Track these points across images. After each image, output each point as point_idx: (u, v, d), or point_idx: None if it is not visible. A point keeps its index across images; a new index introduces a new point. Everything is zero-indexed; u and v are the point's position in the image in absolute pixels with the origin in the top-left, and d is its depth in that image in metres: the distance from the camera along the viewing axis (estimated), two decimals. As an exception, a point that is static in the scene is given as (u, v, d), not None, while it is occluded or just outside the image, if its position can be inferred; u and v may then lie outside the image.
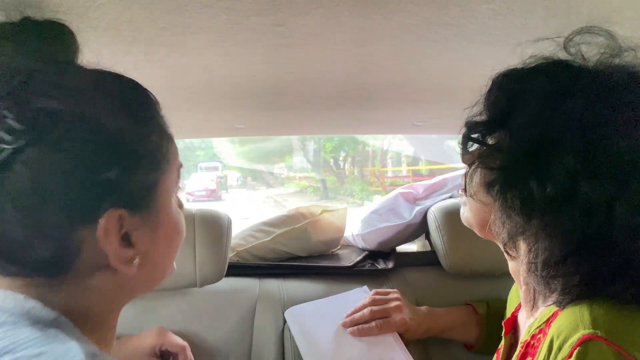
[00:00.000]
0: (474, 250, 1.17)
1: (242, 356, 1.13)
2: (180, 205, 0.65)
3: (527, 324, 0.72)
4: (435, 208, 1.26)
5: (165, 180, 0.57)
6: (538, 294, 0.67)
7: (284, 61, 0.84)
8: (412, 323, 1.07)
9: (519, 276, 0.72)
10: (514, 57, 0.87)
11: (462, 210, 0.81)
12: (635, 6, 0.70)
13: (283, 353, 1.12)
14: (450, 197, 1.34)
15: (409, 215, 1.35)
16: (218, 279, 1.14)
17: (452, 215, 1.21)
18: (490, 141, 0.69)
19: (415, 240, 1.53)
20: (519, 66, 0.69)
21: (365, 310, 1.07)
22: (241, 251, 1.36)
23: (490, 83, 0.71)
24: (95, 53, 0.75)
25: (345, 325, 1.07)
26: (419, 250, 1.55)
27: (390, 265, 1.32)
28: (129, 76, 0.86)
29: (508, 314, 0.90)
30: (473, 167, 0.72)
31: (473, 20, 0.73)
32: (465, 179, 0.75)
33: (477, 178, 0.71)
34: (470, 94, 1.07)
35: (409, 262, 1.37)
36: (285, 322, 1.15)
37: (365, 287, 1.19)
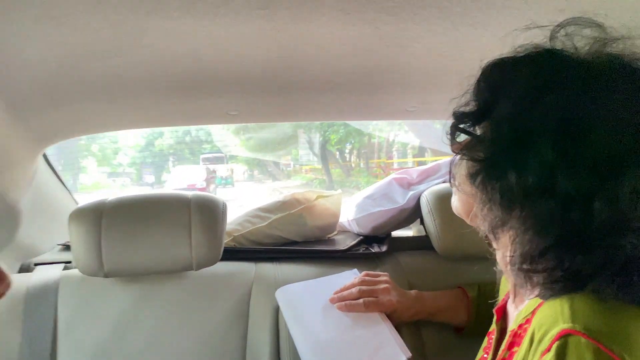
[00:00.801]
0: (465, 234, 1.17)
1: (239, 338, 1.16)
2: None
3: (515, 312, 0.73)
4: (428, 192, 1.27)
5: None
6: (519, 287, 0.67)
7: (271, 45, 0.86)
8: (399, 305, 1.09)
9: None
10: (497, 42, 0.89)
11: (452, 199, 0.81)
12: None
13: (278, 334, 1.14)
14: (444, 182, 1.36)
15: (403, 200, 1.37)
16: (214, 263, 1.16)
17: (444, 199, 1.22)
18: (477, 132, 0.69)
19: (411, 225, 1.55)
20: (510, 55, 0.68)
21: (354, 289, 1.09)
22: (237, 236, 1.39)
23: (479, 72, 0.70)
24: (78, 38, 0.78)
25: (333, 301, 1.09)
26: (415, 235, 1.56)
27: (383, 249, 1.33)
28: (118, 60, 0.89)
29: (499, 300, 0.91)
30: (458, 158, 0.73)
31: (455, 2, 0.75)
32: (451, 169, 0.76)
33: (462, 169, 0.71)
34: (458, 78, 1.08)
35: (403, 247, 1.38)
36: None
37: (355, 270, 1.20)
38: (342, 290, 1.11)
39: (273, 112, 1.29)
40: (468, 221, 0.78)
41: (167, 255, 1.10)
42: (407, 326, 1.15)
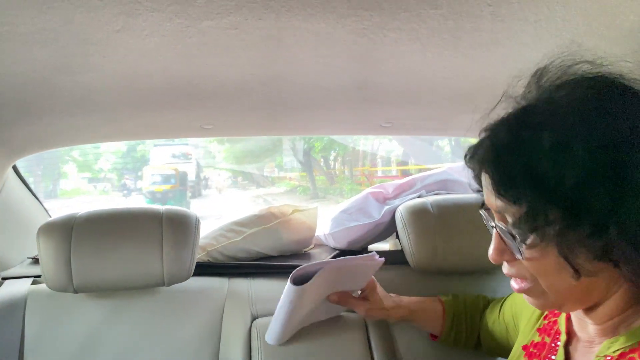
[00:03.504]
0: (439, 248, 1.20)
1: (210, 354, 1.14)
2: None
3: (597, 339, 0.67)
4: (403, 207, 1.28)
5: None
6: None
7: (243, 63, 0.86)
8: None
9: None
10: (466, 61, 0.90)
11: (538, 301, 0.68)
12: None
13: (250, 351, 1.13)
14: (419, 197, 1.36)
15: (378, 214, 1.37)
16: (186, 278, 1.15)
17: (418, 214, 1.23)
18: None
19: (388, 239, 1.55)
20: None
21: None
22: (211, 251, 1.38)
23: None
24: (46, 54, 0.77)
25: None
26: (391, 249, 1.57)
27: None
28: (88, 75, 0.88)
29: (525, 323, 0.88)
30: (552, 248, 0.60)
31: (423, 24, 0.75)
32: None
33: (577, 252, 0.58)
34: (430, 96, 1.10)
35: (379, 261, 1.39)
36: (252, 319, 1.17)
37: (374, 253, 1.12)
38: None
39: (248, 126, 1.29)
40: (579, 305, 0.66)
41: (138, 271, 1.09)
42: (380, 334, 1.17)
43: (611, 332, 0.64)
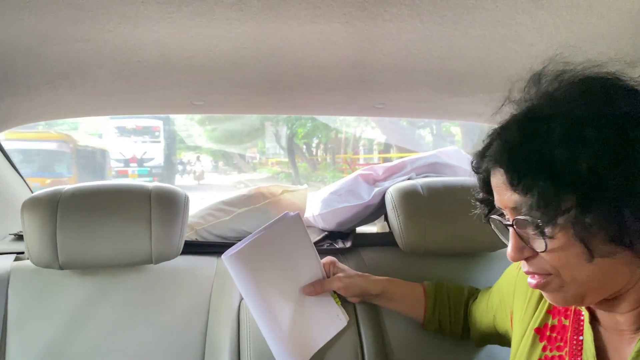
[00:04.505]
0: (428, 230, 1.20)
1: (198, 333, 1.14)
2: None
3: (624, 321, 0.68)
4: (393, 189, 1.27)
5: None
6: None
7: (238, 35, 0.84)
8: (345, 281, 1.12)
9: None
10: (467, 41, 0.90)
11: (558, 296, 0.68)
12: None
13: (238, 329, 1.13)
14: (409, 179, 1.37)
15: (368, 196, 1.37)
16: (174, 256, 1.14)
17: (408, 196, 1.23)
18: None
19: (376, 221, 1.56)
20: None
21: None
22: (200, 229, 1.36)
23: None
24: (35, 20, 0.74)
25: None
26: (379, 231, 1.57)
27: (348, 244, 1.34)
28: (78, 45, 0.85)
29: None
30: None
31: (426, 0, 0.75)
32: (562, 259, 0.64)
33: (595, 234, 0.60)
34: (426, 77, 1.10)
35: (367, 243, 1.39)
36: (241, 299, 1.16)
37: (296, 214, 1.15)
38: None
39: (239, 104, 1.27)
40: (600, 296, 0.66)
41: (126, 248, 1.07)
42: (370, 322, 1.16)
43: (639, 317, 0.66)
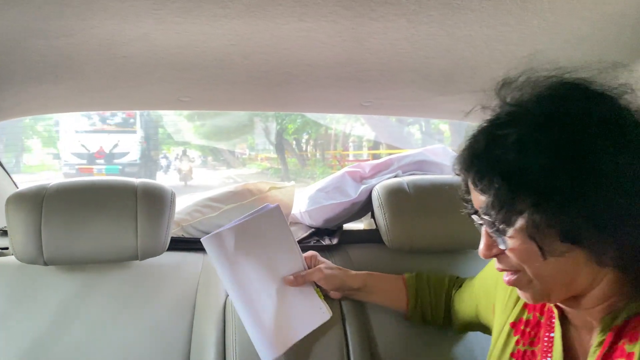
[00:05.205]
0: (414, 227, 1.21)
1: (184, 329, 1.14)
2: None
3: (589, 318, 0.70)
4: (379, 186, 1.28)
5: None
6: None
7: (225, 32, 0.84)
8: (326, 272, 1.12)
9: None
10: (453, 41, 0.90)
11: (528, 292, 0.72)
12: None
13: (224, 326, 1.13)
14: (395, 177, 1.37)
15: (355, 193, 1.38)
16: (160, 252, 1.13)
17: (395, 193, 1.24)
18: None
19: (363, 218, 1.56)
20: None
21: None
22: (186, 226, 1.36)
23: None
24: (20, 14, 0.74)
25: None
26: (366, 228, 1.58)
27: (334, 241, 1.34)
28: (63, 40, 0.84)
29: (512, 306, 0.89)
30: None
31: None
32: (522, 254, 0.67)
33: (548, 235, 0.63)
34: (413, 75, 1.10)
35: (354, 239, 1.39)
36: (227, 295, 1.16)
37: (275, 206, 1.15)
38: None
39: (226, 100, 1.27)
40: (565, 294, 0.69)
41: (112, 244, 1.07)
42: (355, 313, 1.17)
43: (605, 311, 0.68)
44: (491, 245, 0.70)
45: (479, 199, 0.68)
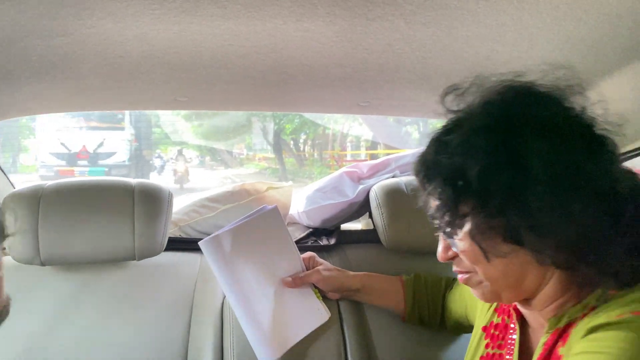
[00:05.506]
0: (411, 227, 1.21)
1: (181, 330, 1.13)
2: None
3: (540, 318, 0.73)
4: (377, 187, 1.28)
5: None
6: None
7: (222, 32, 0.84)
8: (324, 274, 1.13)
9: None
10: (450, 41, 0.90)
11: (479, 291, 0.75)
12: None
13: (222, 327, 1.13)
14: (393, 177, 1.38)
15: (353, 193, 1.38)
16: (157, 253, 1.13)
17: (392, 194, 1.24)
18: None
19: (360, 218, 1.57)
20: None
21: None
22: (184, 226, 1.36)
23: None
24: (16, 14, 0.73)
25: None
26: (363, 228, 1.58)
27: (332, 241, 1.34)
28: (60, 40, 0.84)
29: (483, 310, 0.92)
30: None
31: (409, 0, 0.75)
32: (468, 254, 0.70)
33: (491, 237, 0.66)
34: (410, 75, 1.10)
35: (351, 240, 1.40)
36: (225, 296, 1.16)
37: (266, 206, 1.16)
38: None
39: (223, 100, 1.27)
40: (516, 297, 0.72)
41: (109, 244, 1.07)
42: (353, 315, 1.17)
43: (553, 313, 0.69)
44: (447, 248, 0.74)
45: (430, 204, 0.72)
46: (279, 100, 1.28)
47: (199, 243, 1.03)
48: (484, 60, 1.00)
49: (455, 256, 0.73)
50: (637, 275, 0.62)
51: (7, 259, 1.12)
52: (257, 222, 1.10)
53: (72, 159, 8.48)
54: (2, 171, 1.46)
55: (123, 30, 0.82)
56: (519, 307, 0.78)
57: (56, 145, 8.32)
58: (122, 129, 8.88)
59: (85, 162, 8.49)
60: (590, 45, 0.88)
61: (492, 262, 0.66)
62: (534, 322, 0.76)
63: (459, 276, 0.76)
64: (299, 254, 1.14)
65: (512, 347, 0.78)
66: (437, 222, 0.70)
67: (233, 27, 0.82)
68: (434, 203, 0.70)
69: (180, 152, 12.45)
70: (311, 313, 1.11)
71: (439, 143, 0.70)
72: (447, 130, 0.70)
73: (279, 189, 1.46)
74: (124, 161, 8.78)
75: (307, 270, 1.14)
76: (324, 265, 1.15)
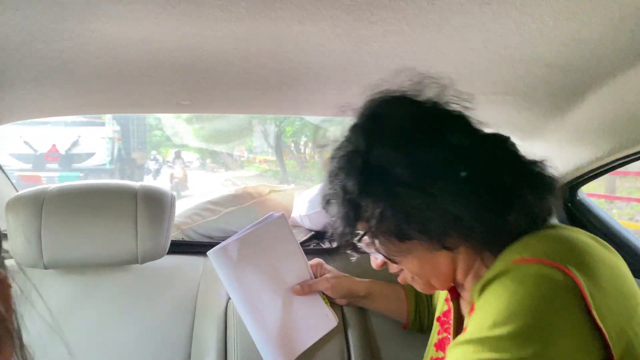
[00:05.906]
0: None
1: (184, 334, 1.14)
2: None
3: (469, 290, 0.77)
4: (379, 190, 1.28)
5: None
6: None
7: (225, 35, 0.84)
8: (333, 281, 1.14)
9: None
10: (451, 44, 0.90)
11: (416, 286, 0.85)
12: None
13: (225, 330, 1.13)
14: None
15: (355, 196, 1.37)
16: (160, 256, 1.13)
17: None
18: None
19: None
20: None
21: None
22: (186, 229, 1.36)
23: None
24: (21, 18, 0.74)
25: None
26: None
27: (334, 245, 1.34)
28: (64, 43, 0.85)
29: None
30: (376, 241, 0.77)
31: (411, 3, 0.75)
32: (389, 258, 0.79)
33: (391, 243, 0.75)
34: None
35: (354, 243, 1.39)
36: (229, 299, 1.16)
37: (273, 214, 1.17)
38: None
39: (226, 103, 1.27)
40: (441, 281, 0.81)
41: (112, 247, 1.07)
42: (356, 320, 1.16)
43: (472, 282, 0.77)
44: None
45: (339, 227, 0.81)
46: (282, 103, 1.28)
47: (208, 253, 1.04)
48: (486, 64, 1.00)
49: (384, 262, 0.82)
50: (515, 229, 0.68)
51: (10, 262, 1.12)
52: (264, 230, 1.10)
53: (39, 161, 6.82)
54: (6, 175, 1.46)
55: (126, 33, 0.83)
56: (459, 290, 0.85)
57: (19, 144, 6.61)
58: (102, 124, 7.19)
59: (55, 165, 6.97)
60: (593, 48, 0.88)
61: (407, 259, 0.75)
62: (465, 295, 0.83)
63: (398, 277, 0.85)
64: (306, 261, 1.14)
65: (450, 323, 0.86)
66: (345, 238, 0.79)
67: (236, 30, 0.82)
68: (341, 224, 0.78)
69: (178, 155, 11.02)
70: (320, 319, 1.11)
71: (335, 160, 0.79)
72: (339, 148, 0.81)
73: (281, 192, 1.46)
74: (103, 164, 7.17)
75: (315, 276, 1.14)
76: (332, 272, 1.16)
